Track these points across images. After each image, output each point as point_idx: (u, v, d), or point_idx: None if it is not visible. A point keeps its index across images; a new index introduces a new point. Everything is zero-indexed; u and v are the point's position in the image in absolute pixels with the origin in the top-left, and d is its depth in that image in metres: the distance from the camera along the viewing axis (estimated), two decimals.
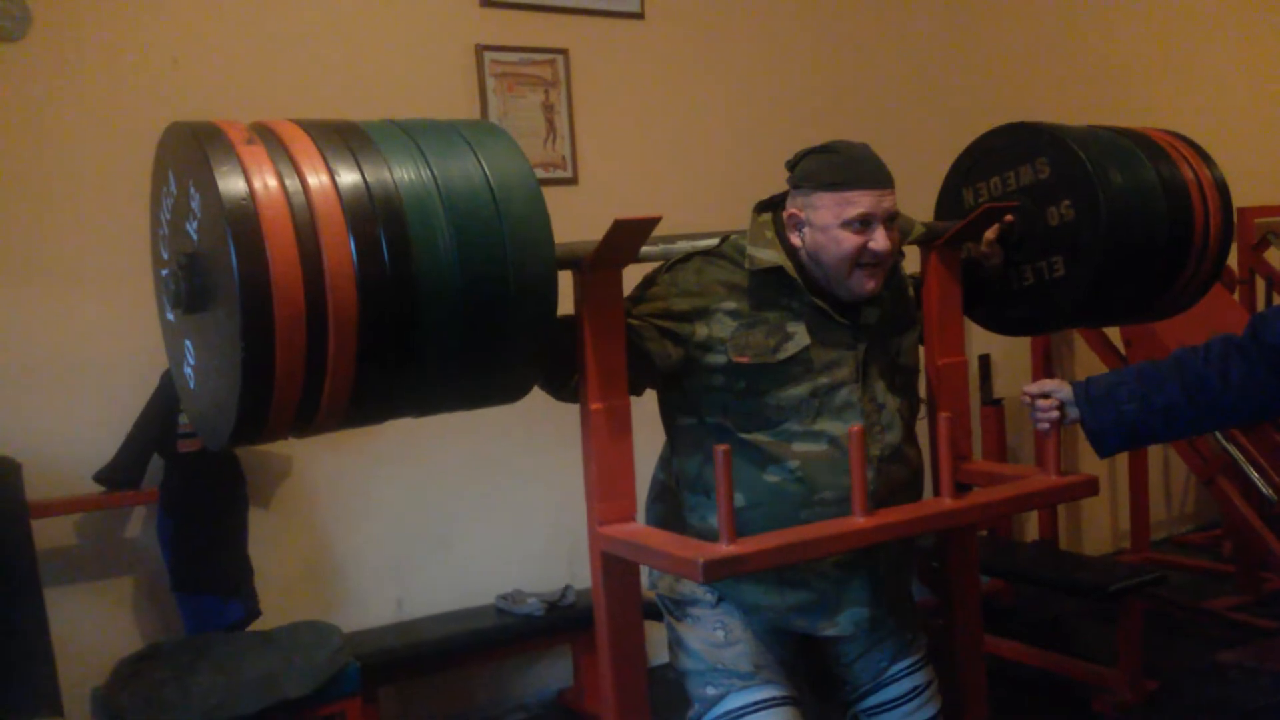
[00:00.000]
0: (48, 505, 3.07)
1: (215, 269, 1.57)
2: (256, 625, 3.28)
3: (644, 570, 2.03)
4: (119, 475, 3.16)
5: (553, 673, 3.96)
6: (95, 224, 3.20)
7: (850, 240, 1.99)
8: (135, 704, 2.83)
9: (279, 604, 3.41)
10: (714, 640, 2.12)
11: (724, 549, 1.75)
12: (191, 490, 3.21)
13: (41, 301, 3.15)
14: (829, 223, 1.99)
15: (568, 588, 3.74)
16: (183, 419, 3.14)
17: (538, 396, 2.03)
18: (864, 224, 1.98)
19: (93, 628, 3.20)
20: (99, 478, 3.15)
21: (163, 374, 3.16)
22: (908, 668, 2.23)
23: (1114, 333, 4.69)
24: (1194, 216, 2.51)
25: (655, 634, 2.34)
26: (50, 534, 3.13)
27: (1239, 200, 2.98)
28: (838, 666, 2.24)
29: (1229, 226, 2.61)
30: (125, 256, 3.10)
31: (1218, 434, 4.17)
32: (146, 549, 3.29)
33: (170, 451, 3.19)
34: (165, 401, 3.16)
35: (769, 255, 2.04)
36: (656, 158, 4.12)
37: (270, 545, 3.45)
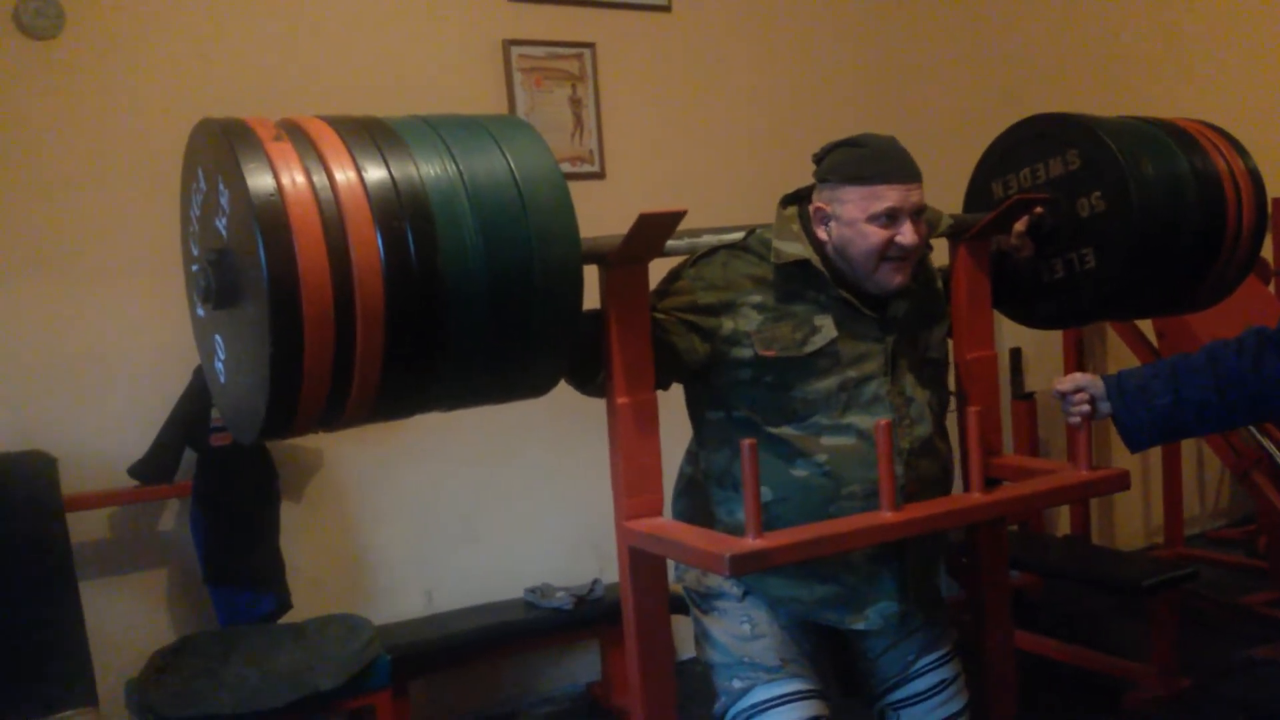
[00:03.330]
0: (82, 499, 3.10)
1: (244, 265, 1.59)
2: (288, 618, 3.30)
3: (670, 563, 2.03)
4: (152, 469, 3.19)
5: (581, 666, 3.97)
6: (129, 220, 3.23)
7: (878, 234, 1.98)
8: (168, 696, 2.86)
9: (310, 597, 3.43)
10: (740, 633, 2.12)
11: (750, 543, 1.75)
12: (224, 484, 3.23)
13: (75, 297, 3.18)
14: (856, 217, 1.99)
15: (596, 581, 3.74)
16: (215, 413, 3.17)
17: (566, 390, 2.03)
18: (891, 218, 1.98)
19: (126, 620, 3.23)
20: (133, 472, 3.18)
21: (195, 369, 3.19)
22: (935, 661, 2.22)
23: (1146, 325, 4.64)
24: (1226, 208, 2.48)
25: (682, 628, 2.35)
26: (85, 527, 3.17)
27: (1274, 190, 2.94)
28: (864, 660, 2.23)
29: (1262, 218, 2.58)
30: (158, 252, 3.13)
31: (1252, 428, 4.12)
32: (179, 542, 3.32)
33: (203, 446, 3.22)
34: (198, 396, 3.19)
35: (795, 248, 2.03)
36: (684, 151, 4.11)
37: (301, 538, 3.47)
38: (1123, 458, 4.33)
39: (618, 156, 3.96)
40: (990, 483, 2.10)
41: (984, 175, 2.63)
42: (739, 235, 2.12)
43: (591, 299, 1.86)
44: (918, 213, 2.01)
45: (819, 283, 2.04)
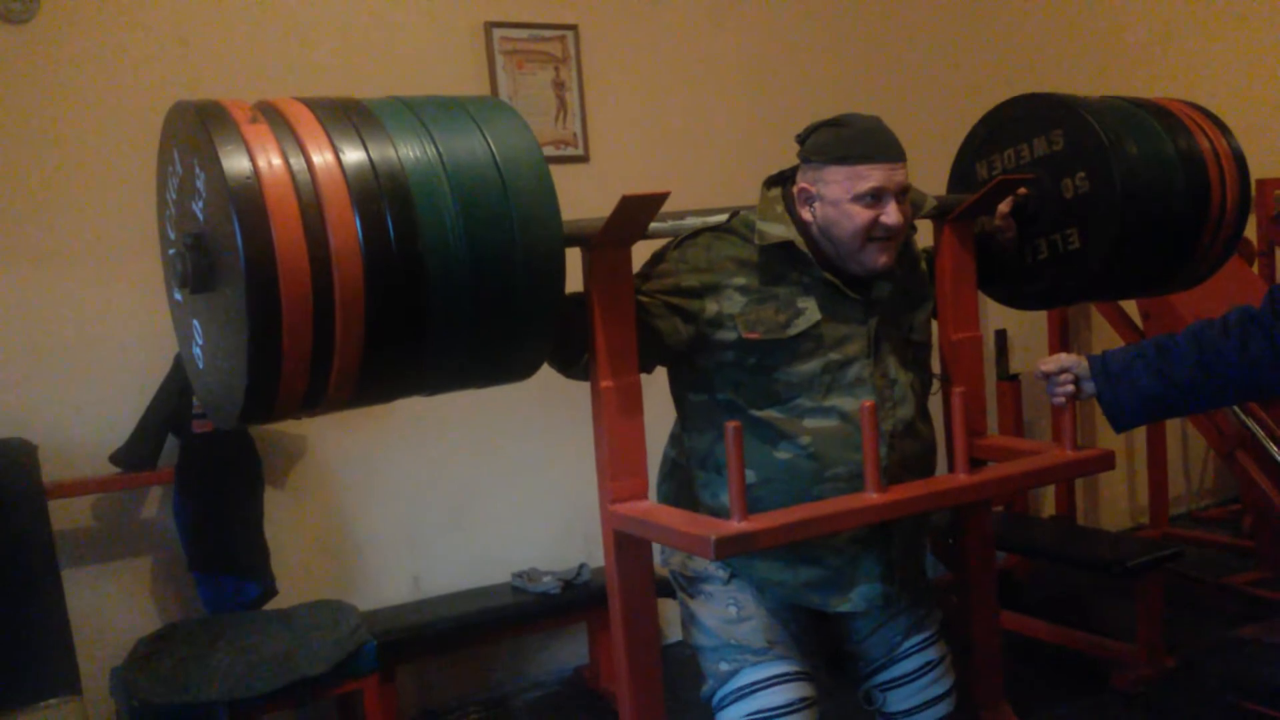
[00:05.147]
0: (64, 486, 3.08)
1: (221, 248, 1.57)
2: (273, 604, 3.29)
3: (656, 547, 2.02)
4: (134, 456, 3.17)
5: (569, 650, 3.97)
6: (107, 205, 3.20)
7: (862, 214, 1.97)
8: (153, 684, 2.85)
9: (296, 583, 3.42)
10: (726, 616, 2.12)
11: (735, 526, 1.74)
12: (207, 470, 3.21)
13: (55, 283, 3.16)
14: (840, 197, 1.98)
15: (583, 565, 3.74)
16: (196, 399, 3.15)
17: (552, 375, 2.02)
18: (875, 198, 1.97)
19: (110, 608, 3.22)
20: (114, 459, 3.16)
21: (177, 354, 3.17)
22: (920, 643, 2.23)
23: (1131, 306, 4.65)
24: (1210, 188, 2.48)
25: (669, 611, 2.34)
26: (67, 515, 3.15)
27: (1258, 172, 2.95)
28: (850, 643, 2.23)
29: (1246, 198, 2.58)
30: (138, 237, 3.09)
31: (1236, 408, 4.13)
32: (163, 529, 3.30)
33: (185, 432, 3.20)
34: (179, 382, 3.17)
35: (779, 230, 2.02)
36: (668, 134, 4.09)
37: (286, 524, 3.46)
38: (1107, 438, 4.35)
39: (601, 139, 3.94)
40: (975, 464, 2.10)
41: (968, 156, 2.62)
42: (723, 217, 2.11)
43: (575, 282, 1.85)
44: (902, 193, 2.00)
45: (803, 264, 2.03)
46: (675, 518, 1.90)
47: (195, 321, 1.75)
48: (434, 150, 1.66)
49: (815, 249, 2.04)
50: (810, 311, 2.02)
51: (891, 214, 1.97)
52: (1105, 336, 4.98)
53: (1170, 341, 2.05)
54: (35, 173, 3.13)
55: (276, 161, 1.55)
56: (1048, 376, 2.13)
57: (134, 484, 3.23)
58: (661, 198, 1.85)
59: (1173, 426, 5.26)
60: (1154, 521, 5.05)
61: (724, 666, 2.10)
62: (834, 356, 2.04)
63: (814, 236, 2.04)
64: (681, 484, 2.20)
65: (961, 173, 2.63)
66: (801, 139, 2.05)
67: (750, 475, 1.97)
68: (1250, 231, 4.72)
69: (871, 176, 1.95)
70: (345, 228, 1.56)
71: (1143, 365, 2.05)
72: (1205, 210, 2.48)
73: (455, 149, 1.67)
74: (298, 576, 3.45)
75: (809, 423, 2.03)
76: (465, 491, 3.79)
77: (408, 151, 1.64)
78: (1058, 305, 3.26)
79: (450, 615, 3.50)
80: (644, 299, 2.00)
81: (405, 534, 3.70)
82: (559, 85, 3.83)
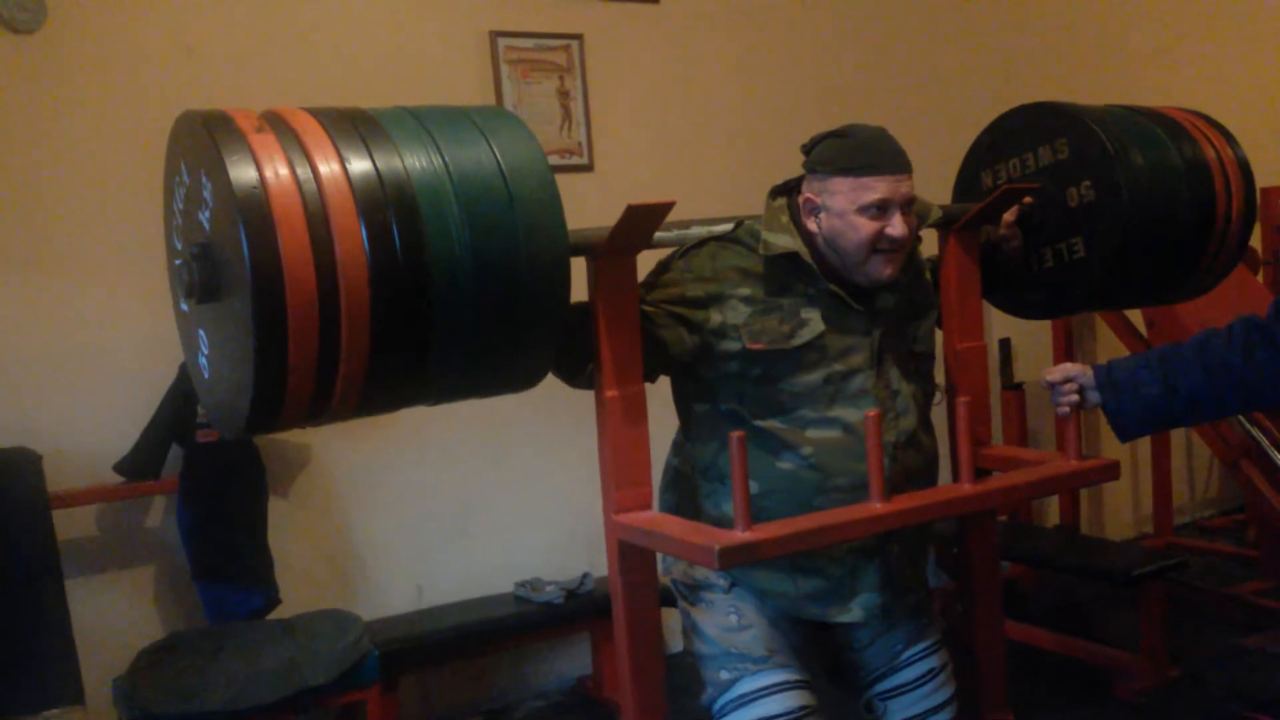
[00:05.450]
0: (68, 496, 3.08)
1: (227, 258, 1.57)
2: (277, 614, 3.29)
3: (658, 555, 2.02)
4: (138, 465, 3.17)
5: (572, 660, 3.97)
6: (113, 215, 3.21)
7: (867, 226, 1.97)
8: (157, 693, 2.84)
9: (299, 592, 3.42)
10: (727, 625, 2.11)
11: (739, 535, 1.74)
12: (211, 480, 3.22)
13: (60, 292, 3.16)
14: (845, 208, 1.98)
15: (586, 575, 3.74)
16: (201, 409, 3.15)
17: (556, 385, 2.02)
18: (881, 210, 1.97)
19: (114, 617, 3.22)
20: (119, 468, 3.17)
21: (181, 364, 3.17)
22: (922, 651, 2.22)
23: (1136, 315, 4.64)
24: (1216, 197, 2.48)
25: (672, 621, 2.34)
26: (71, 525, 3.15)
27: (1263, 181, 2.94)
28: (851, 651, 2.23)
29: (1252, 207, 2.57)
30: (144, 246, 3.10)
31: (1241, 417, 4.13)
32: (167, 539, 3.30)
33: (189, 441, 3.20)
34: (184, 391, 3.17)
35: (784, 241, 2.02)
36: (672, 143, 4.10)
37: (290, 534, 3.46)
38: (1112, 447, 4.35)
39: (606, 149, 3.94)
40: (980, 473, 2.09)
41: (973, 165, 2.62)
42: (728, 226, 2.10)
43: (580, 291, 1.85)
44: (907, 204, 2.00)
45: (807, 275, 2.03)
46: (679, 528, 1.90)
47: (201, 331, 1.75)
48: (440, 160, 1.66)
49: (820, 260, 2.04)
50: (814, 323, 2.02)
51: (897, 226, 1.97)
52: (1110, 346, 4.98)
53: (1175, 351, 2.05)
54: (42, 181, 3.14)
55: (283, 171, 1.55)
56: (1052, 386, 2.13)
57: (137, 493, 3.23)
58: (666, 207, 1.85)
59: (1177, 436, 5.26)
60: (1158, 531, 5.05)
61: (724, 675, 2.10)
62: (837, 368, 2.04)
63: (819, 247, 2.04)
64: (684, 493, 2.20)
65: (966, 182, 2.63)
66: (807, 149, 2.05)
67: (753, 486, 1.96)
68: (1256, 240, 4.71)
69: (877, 188, 1.95)
70: (351, 237, 1.56)
71: (1147, 374, 2.04)
72: (1210, 219, 2.48)
73: (461, 159, 1.67)
74: (301, 586, 3.45)
75: (811, 433, 2.03)
76: (469, 501, 3.79)
77: (414, 161, 1.64)
78: (1062, 314, 3.27)
79: (453, 625, 3.50)
80: (649, 309, 2.00)
81: (408, 543, 3.69)
82: (564, 94, 3.84)
